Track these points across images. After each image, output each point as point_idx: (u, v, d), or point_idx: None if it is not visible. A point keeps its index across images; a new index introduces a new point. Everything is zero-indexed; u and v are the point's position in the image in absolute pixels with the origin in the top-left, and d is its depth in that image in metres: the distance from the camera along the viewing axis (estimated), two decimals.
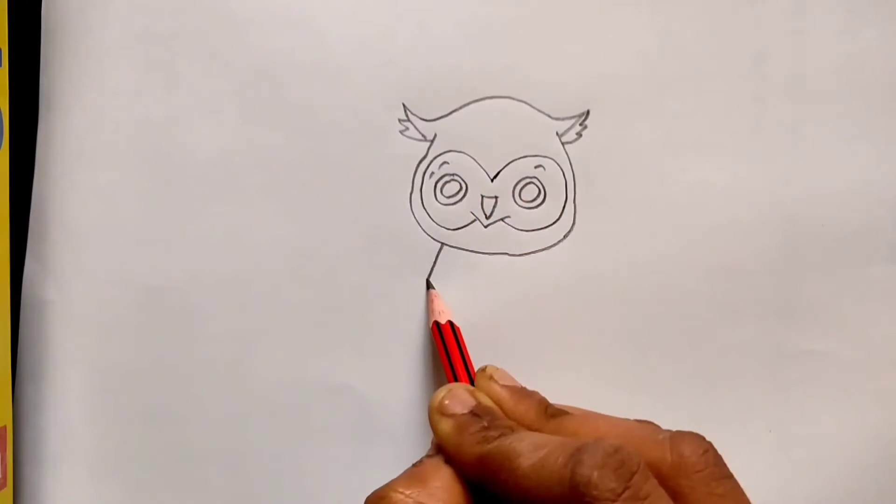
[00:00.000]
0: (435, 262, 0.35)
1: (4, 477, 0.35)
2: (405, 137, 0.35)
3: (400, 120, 0.35)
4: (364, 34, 0.35)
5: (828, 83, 0.35)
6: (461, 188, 0.35)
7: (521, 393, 0.30)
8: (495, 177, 0.35)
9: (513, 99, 0.35)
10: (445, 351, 0.33)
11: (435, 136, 0.35)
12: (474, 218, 0.35)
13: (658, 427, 0.27)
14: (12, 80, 0.34)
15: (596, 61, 0.35)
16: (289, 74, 0.35)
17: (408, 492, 0.26)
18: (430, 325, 0.34)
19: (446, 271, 0.35)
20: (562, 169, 0.35)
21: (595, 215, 0.35)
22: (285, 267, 0.35)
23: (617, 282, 0.35)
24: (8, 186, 0.34)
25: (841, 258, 0.35)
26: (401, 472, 0.28)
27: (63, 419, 0.36)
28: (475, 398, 0.29)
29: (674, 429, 0.27)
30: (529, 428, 0.28)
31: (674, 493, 0.25)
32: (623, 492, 0.23)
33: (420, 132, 0.35)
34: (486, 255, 0.35)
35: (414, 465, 0.28)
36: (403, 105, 0.35)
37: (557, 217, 0.35)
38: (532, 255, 0.35)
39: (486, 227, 0.35)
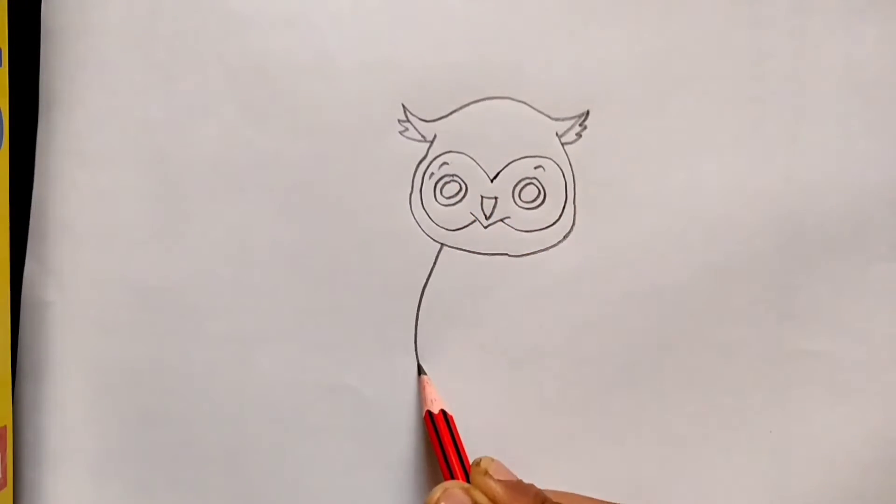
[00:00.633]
0: (435, 263, 0.35)
1: (4, 477, 0.35)
2: (405, 138, 0.35)
3: (399, 120, 0.35)
4: (364, 34, 0.35)
5: (828, 83, 0.35)
6: (461, 189, 0.35)
7: (517, 488, 0.30)
8: (495, 177, 0.35)
9: (512, 99, 0.35)
10: (439, 442, 0.33)
11: (435, 136, 0.35)
12: (474, 218, 0.35)
13: None
14: (12, 80, 0.34)
15: (596, 61, 0.35)
16: (289, 75, 0.35)
17: None
18: (423, 413, 0.34)
19: (445, 276, 0.35)
20: (561, 169, 0.35)
21: (595, 216, 0.35)
22: (285, 267, 0.35)
23: (617, 282, 0.35)
24: (8, 186, 0.34)
25: (841, 258, 0.35)
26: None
27: (63, 419, 0.36)
28: (471, 497, 0.29)
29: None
30: None
31: None
32: None
33: (420, 133, 0.35)
34: (486, 256, 0.35)
35: None
36: (403, 106, 0.35)
37: (557, 217, 0.35)
38: (532, 255, 0.35)
39: (485, 227, 0.35)
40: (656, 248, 0.35)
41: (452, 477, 0.32)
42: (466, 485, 0.31)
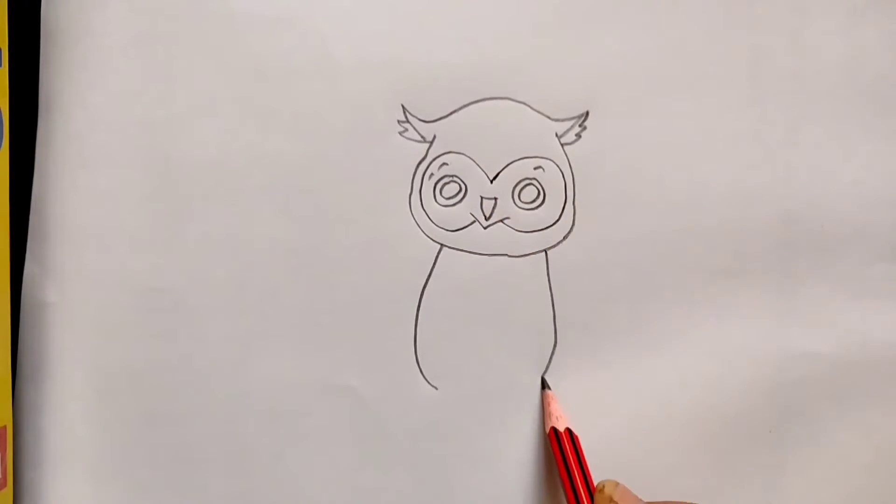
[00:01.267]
0: (434, 264, 0.35)
1: (4, 477, 0.35)
2: (404, 139, 0.35)
3: (399, 121, 0.35)
4: (364, 35, 0.35)
5: (828, 83, 0.35)
6: (460, 189, 0.35)
7: None
8: (495, 178, 0.35)
9: (512, 100, 0.35)
10: (564, 463, 0.33)
11: (434, 137, 0.35)
12: (474, 219, 0.35)
13: None
14: (12, 80, 0.34)
15: (596, 62, 0.35)
16: (288, 75, 0.35)
17: None
18: (547, 430, 0.34)
19: (445, 277, 0.35)
20: (561, 170, 0.35)
21: (595, 216, 0.35)
22: (285, 267, 0.35)
23: (617, 282, 0.35)
24: (8, 186, 0.34)
25: (841, 258, 0.35)
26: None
27: (63, 420, 0.36)
28: None
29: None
30: None
31: None
32: None
33: (419, 133, 0.35)
34: (486, 257, 0.35)
35: None
36: (402, 106, 0.35)
37: (557, 218, 0.35)
38: (532, 255, 0.35)
39: (485, 228, 0.35)
40: (656, 248, 0.35)
41: (576, 497, 0.32)
42: None
